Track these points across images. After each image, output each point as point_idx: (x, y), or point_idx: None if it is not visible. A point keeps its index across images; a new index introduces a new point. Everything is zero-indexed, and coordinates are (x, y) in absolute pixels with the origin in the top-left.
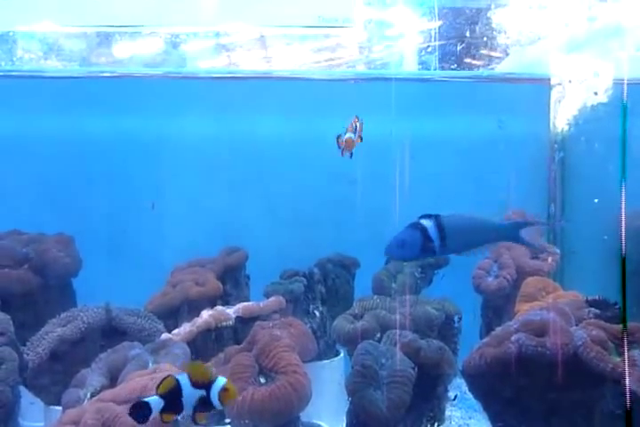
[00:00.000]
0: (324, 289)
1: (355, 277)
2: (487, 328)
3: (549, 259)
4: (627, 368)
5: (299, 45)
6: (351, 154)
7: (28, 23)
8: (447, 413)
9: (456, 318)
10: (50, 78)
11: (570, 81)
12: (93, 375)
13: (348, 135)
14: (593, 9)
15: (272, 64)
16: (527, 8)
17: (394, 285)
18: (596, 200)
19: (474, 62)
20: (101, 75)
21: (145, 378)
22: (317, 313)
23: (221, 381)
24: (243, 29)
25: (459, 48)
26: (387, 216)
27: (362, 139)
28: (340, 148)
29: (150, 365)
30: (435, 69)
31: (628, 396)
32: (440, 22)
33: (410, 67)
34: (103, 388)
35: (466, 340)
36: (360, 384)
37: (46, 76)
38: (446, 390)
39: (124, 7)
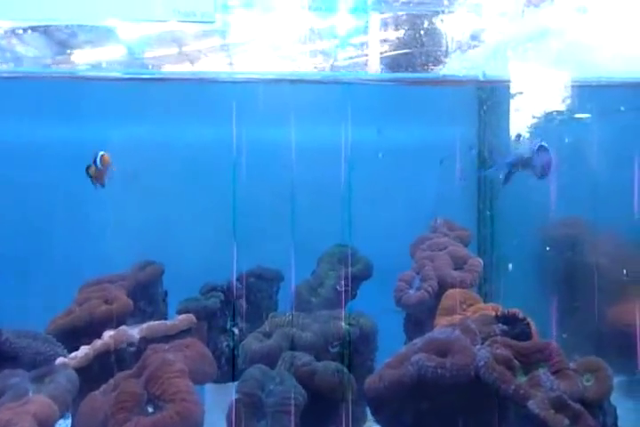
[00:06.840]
0: (245, 304)
1: (279, 291)
2: None
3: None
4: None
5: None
6: (102, 184)
7: None
8: None
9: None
10: None
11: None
12: None
13: (93, 167)
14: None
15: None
16: (465, 13)
17: (314, 299)
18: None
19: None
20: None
21: (9, 412)
22: (236, 330)
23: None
24: (90, 23)
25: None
26: (313, 227)
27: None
28: (91, 178)
29: (30, 394)
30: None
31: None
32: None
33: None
34: None
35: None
36: (241, 414)
37: None
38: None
39: None
